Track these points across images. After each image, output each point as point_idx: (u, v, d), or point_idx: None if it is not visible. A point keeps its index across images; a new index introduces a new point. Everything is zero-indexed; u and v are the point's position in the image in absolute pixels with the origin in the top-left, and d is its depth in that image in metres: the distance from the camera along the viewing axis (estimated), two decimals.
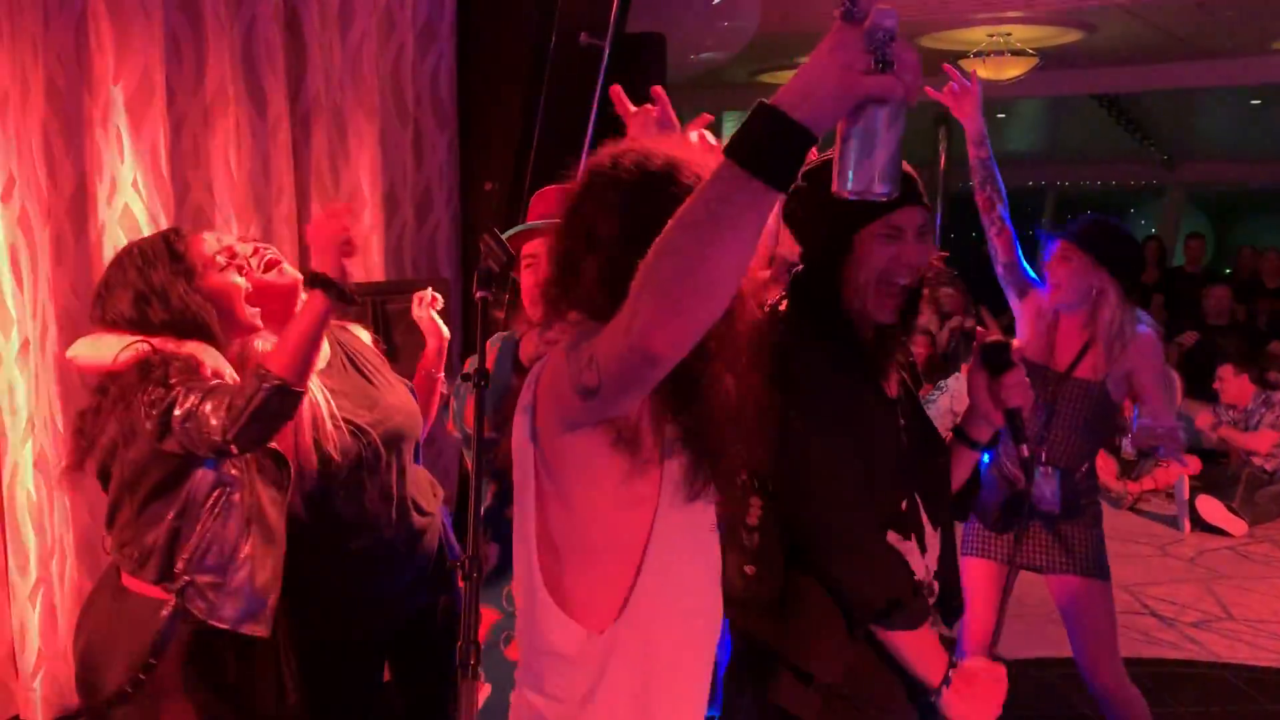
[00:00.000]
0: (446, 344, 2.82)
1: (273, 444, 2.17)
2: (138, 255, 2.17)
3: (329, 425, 2.30)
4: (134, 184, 3.34)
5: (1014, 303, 3.36)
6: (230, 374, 2.11)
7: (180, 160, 3.54)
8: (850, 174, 1.15)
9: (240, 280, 2.19)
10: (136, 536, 2.15)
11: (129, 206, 3.34)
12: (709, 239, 1.16)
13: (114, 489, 2.21)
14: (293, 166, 3.88)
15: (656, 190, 1.46)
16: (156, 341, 2.08)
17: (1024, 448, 1.92)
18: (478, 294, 1.71)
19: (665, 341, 1.23)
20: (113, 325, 2.15)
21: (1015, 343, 1.97)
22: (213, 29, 3.57)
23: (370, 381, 2.45)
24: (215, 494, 2.13)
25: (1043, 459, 3.18)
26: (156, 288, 2.12)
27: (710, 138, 1.78)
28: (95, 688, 2.16)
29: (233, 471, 2.14)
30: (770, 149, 1.12)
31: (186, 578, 2.11)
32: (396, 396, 2.48)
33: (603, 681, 1.49)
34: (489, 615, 2.21)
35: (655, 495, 1.48)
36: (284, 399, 1.96)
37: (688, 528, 1.53)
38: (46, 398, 3.25)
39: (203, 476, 2.12)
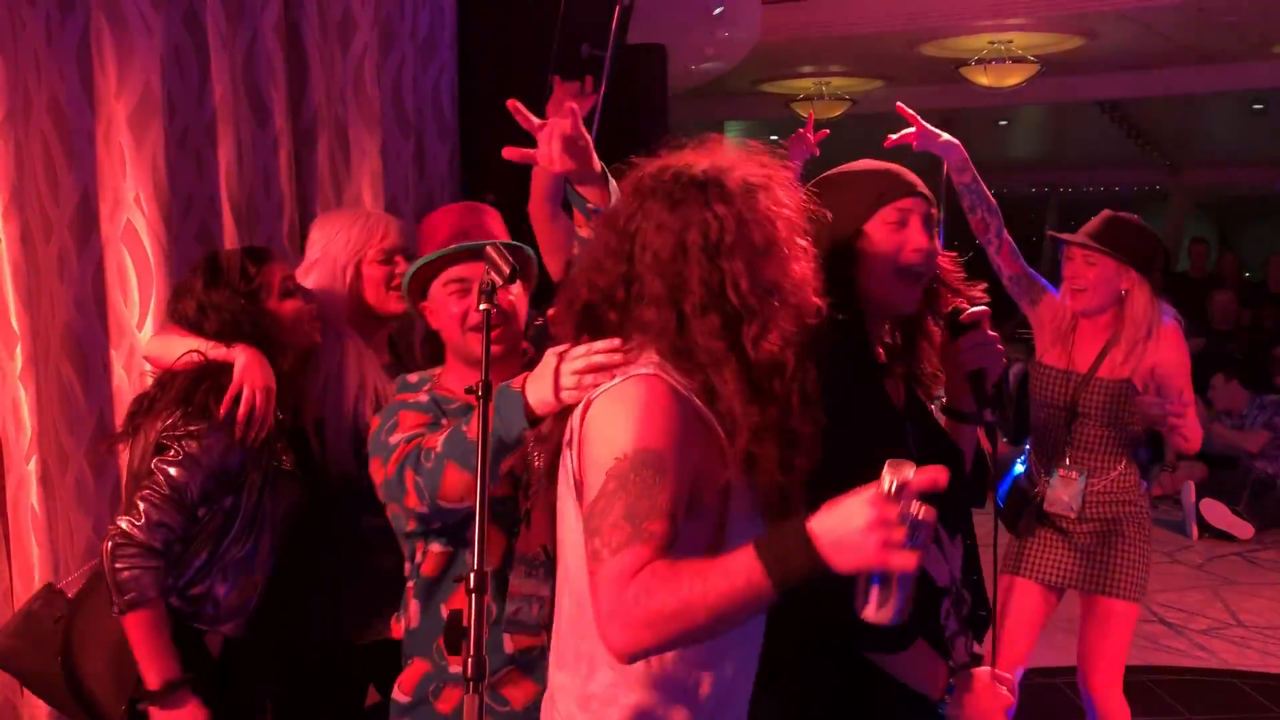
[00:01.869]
0: None
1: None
2: (208, 269, 2.44)
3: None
4: (137, 200, 3.34)
5: (1028, 311, 3.28)
6: (268, 380, 2.30)
7: (183, 175, 3.54)
8: (873, 607, 1.38)
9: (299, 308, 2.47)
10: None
11: (131, 222, 3.34)
12: (722, 616, 1.36)
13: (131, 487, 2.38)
14: (295, 180, 3.88)
15: (703, 198, 1.46)
16: (210, 349, 2.34)
17: (986, 412, 1.97)
18: (481, 306, 1.71)
19: (628, 654, 1.39)
20: (178, 324, 2.44)
21: (983, 310, 1.96)
22: (215, 44, 3.57)
23: None
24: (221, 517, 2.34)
25: (1066, 463, 3.12)
26: (216, 303, 2.38)
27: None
28: (123, 689, 2.34)
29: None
30: (801, 578, 1.34)
31: (181, 595, 2.32)
32: None
33: (649, 694, 1.49)
34: (420, 666, 2.14)
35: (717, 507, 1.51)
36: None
37: (743, 540, 1.53)
38: (51, 414, 3.24)
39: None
